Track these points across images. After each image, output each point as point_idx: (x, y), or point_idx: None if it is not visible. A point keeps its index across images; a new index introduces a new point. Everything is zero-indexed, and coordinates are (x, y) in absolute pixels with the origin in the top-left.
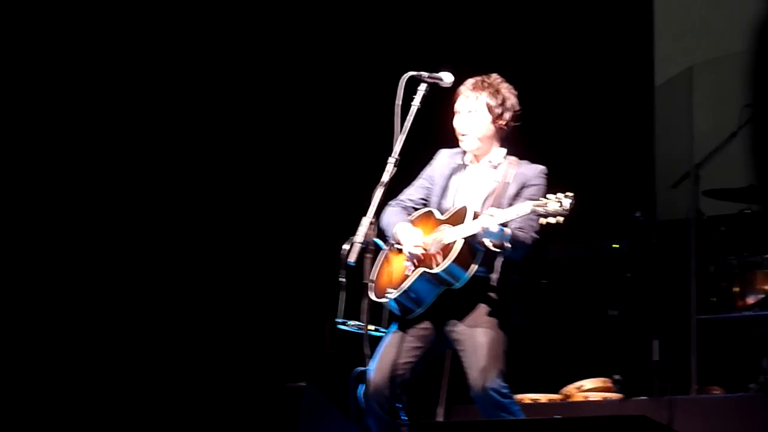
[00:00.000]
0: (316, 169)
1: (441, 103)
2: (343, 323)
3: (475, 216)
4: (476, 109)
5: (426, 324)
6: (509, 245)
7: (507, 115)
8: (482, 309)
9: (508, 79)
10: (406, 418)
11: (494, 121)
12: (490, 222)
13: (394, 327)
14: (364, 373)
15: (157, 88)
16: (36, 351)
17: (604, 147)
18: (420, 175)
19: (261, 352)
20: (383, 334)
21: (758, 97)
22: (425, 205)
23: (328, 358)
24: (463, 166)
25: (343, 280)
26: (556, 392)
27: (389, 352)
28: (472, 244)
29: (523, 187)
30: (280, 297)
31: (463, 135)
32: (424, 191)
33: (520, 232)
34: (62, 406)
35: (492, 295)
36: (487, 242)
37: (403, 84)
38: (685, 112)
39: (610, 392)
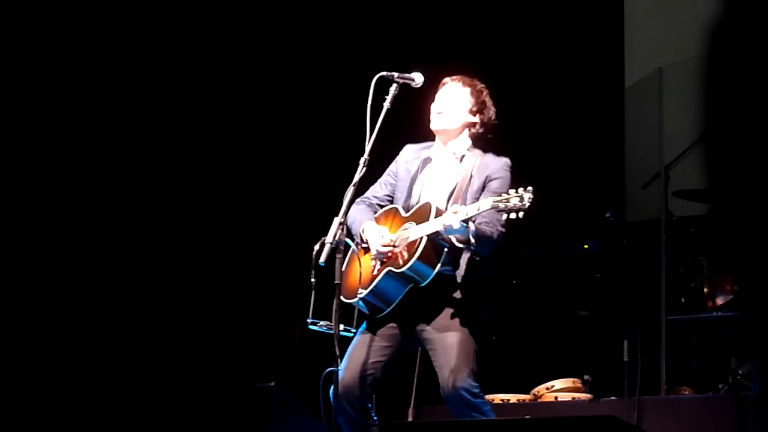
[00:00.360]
0: (286, 170)
1: (412, 103)
2: (314, 323)
3: (438, 213)
4: (459, 96)
5: (395, 323)
6: (474, 241)
7: (483, 117)
8: (450, 308)
9: (480, 78)
10: (377, 418)
11: (470, 114)
12: (453, 219)
13: (363, 327)
14: (334, 373)
15: (130, 93)
16: (18, 350)
17: (575, 148)
18: (386, 172)
19: (231, 352)
20: (353, 334)
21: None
22: (390, 202)
23: (298, 358)
24: (429, 159)
25: (314, 280)
26: (526, 392)
27: (359, 352)
28: (436, 241)
29: (487, 180)
30: (251, 297)
31: (438, 113)
32: (389, 188)
33: (486, 227)
34: (44, 405)
35: (458, 292)
36: (453, 239)
37: (374, 84)
38: (654, 113)
39: (580, 392)
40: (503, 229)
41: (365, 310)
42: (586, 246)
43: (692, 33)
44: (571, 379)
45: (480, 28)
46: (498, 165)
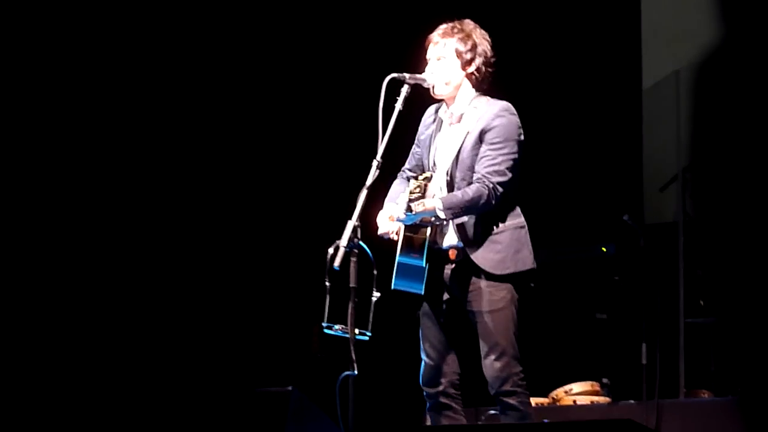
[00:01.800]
0: (301, 173)
1: (424, 104)
2: (329, 327)
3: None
4: (445, 55)
5: (439, 302)
6: (445, 215)
7: (478, 61)
8: (478, 284)
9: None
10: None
11: (464, 67)
12: (398, 211)
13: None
14: (350, 377)
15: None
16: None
17: (593, 150)
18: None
19: (248, 355)
20: (368, 337)
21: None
22: (420, 168)
23: (315, 361)
24: (440, 121)
25: (328, 284)
26: (544, 396)
27: (428, 333)
28: (412, 226)
29: (482, 133)
30: (268, 301)
31: (432, 83)
32: (416, 157)
33: (458, 193)
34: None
35: (479, 257)
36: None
37: (386, 86)
38: (672, 115)
39: (599, 396)
40: (501, 178)
41: (412, 288)
42: (604, 249)
43: (709, 36)
44: (590, 382)
45: (497, 29)
46: (493, 112)
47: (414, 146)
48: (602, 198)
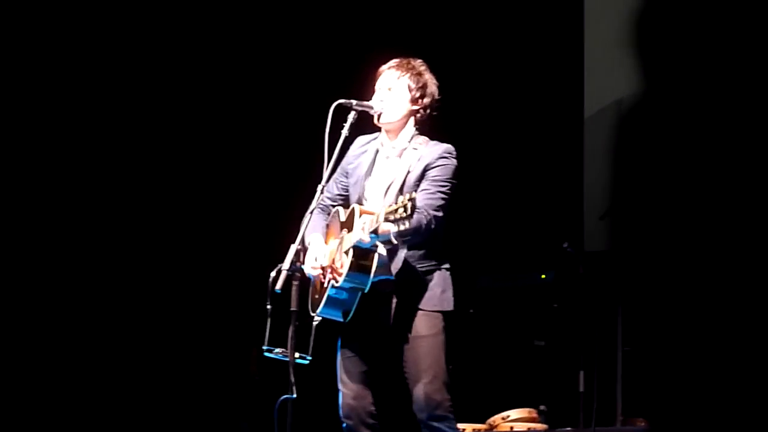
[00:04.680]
0: (245, 196)
1: (371, 130)
2: (269, 351)
3: (364, 212)
4: (396, 87)
5: (363, 335)
6: (396, 241)
7: (426, 101)
8: (409, 312)
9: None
10: None
11: (412, 103)
12: (362, 235)
13: (339, 342)
14: (289, 401)
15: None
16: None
17: (534, 178)
18: (339, 167)
19: (187, 378)
20: (308, 362)
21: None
22: (344, 198)
23: (254, 385)
24: (375, 153)
25: (270, 307)
26: (482, 422)
27: (347, 367)
28: (362, 247)
29: (425, 170)
30: (208, 323)
31: (379, 110)
32: (341, 186)
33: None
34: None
35: (402, 290)
36: (381, 247)
37: (332, 112)
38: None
39: (536, 423)
40: (437, 213)
41: (336, 317)
42: (543, 276)
43: (642, 66)
44: (527, 409)
45: (439, 55)
46: (437, 152)
47: (337, 175)
48: (542, 225)
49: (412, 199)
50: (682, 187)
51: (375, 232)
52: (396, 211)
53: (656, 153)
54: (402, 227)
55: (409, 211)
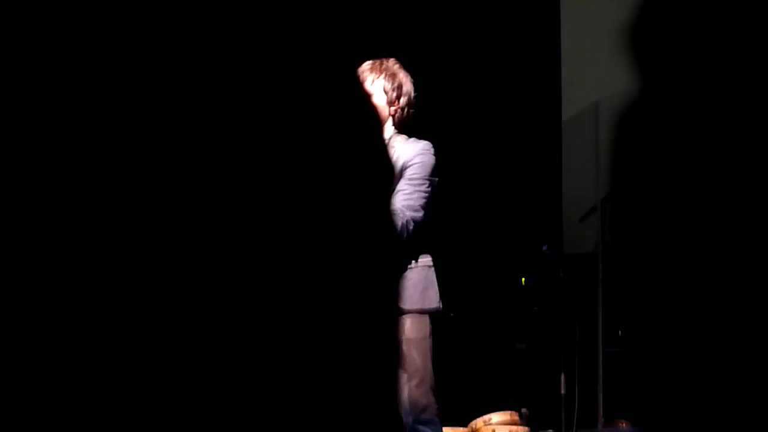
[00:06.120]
0: (237, 196)
1: None
2: None
3: None
4: (374, 90)
5: None
6: None
7: (402, 101)
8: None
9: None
10: None
11: (389, 105)
12: None
13: None
14: None
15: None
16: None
17: (512, 182)
18: None
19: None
20: None
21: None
22: None
23: None
24: None
25: None
26: (463, 425)
27: None
28: None
29: (403, 168)
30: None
31: None
32: None
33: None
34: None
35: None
36: None
37: None
38: (591, 146)
39: (518, 426)
40: (415, 214)
41: None
42: (523, 279)
43: (628, 68)
44: (509, 412)
45: (417, 62)
46: (414, 150)
47: None
48: (521, 229)
49: None
50: (681, 187)
51: None
52: None
53: (656, 153)
54: None
55: None
